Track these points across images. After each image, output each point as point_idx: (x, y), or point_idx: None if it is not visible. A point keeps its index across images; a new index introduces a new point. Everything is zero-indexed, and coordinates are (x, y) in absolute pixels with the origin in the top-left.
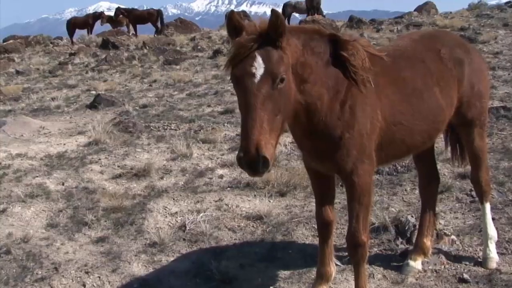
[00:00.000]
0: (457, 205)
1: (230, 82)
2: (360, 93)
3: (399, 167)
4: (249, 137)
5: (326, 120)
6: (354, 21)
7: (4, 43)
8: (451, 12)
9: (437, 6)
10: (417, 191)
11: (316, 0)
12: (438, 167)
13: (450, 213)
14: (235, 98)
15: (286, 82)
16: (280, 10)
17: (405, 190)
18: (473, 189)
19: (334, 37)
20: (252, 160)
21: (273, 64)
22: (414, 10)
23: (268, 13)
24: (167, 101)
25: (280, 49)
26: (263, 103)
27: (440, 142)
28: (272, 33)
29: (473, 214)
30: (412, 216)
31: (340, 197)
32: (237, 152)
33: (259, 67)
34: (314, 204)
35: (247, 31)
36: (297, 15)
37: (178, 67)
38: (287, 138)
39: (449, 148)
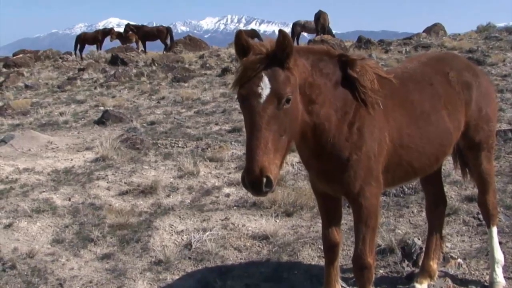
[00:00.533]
0: (464, 228)
1: (237, 101)
2: (368, 115)
3: (406, 189)
4: (253, 158)
5: (334, 141)
6: (362, 42)
7: (14, 57)
8: (459, 34)
9: (445, 27)
10: (423, 213)
11: (323, 20)
12: (445, 189)
13: (457, 236)
14: (243, 116)
15: (292, 103)
16: (289, 29)
17: (412, 212)
18: (480, 212)
19: (343, 57)
20: (255, 180)
21: (279, 85)
22: (423, 32)
23: (277, 32)
24: (175, 118)
25: (287, 69)
26: (268, 123)
27: (447, 164)
28: (279, 53)
29: (480, 238)
30: (419, 239)
31: (347, 218)
32: (242, 172)
33: (265, 87)
34: (321, 225)
35: (255, 51)
36: (306, 34)
37: (186, 84)
38: (294, 158)
39: (458, 169)
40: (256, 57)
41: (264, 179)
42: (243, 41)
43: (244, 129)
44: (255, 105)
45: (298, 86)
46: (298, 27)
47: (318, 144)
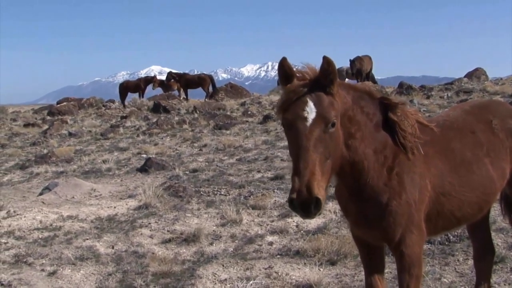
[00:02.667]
0: (511, 276)
1: (282, 128)
2: (408, 161)
3: (451, 237)
4: (302, 178)
5: (372, 184)
6: (404, 88)
7: (58, 105)
8: (501, 78)
9: (487, 72)
10: (470, 262)
11: (360, 65)
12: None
13: (505, 285)
14: (285, 164)
15: (336, 127)
16: None
17: (458, 260)
18: None
19: (385, 100)
20: (305, 201)
21: (324, 108)
22: (464, 76)
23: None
24: (217, 166)
25: (331, 95)
26: (315, 146)
27: (492, 211)
28: (322, 79)
29: None
30: None
31: (392, 267)
32: (288, 194)
33: (311, 111)
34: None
35: (298, 77)
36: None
37: (228, 132)
38: (337, 206)
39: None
40: (300, 83)
41: (314, 200)
42: (287, 67)
43: (287, 177)
44: (302, 129)
45: (340, 115)
46: (344, 73)
47: (356, 184)
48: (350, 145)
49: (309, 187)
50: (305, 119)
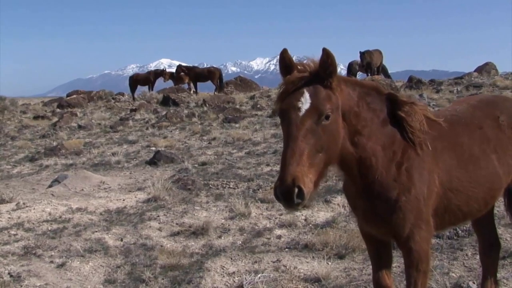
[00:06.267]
0: None
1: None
2: (417, 156)
3: (460, 231)
4: (286, 167)
5: (381, 180)
6: (413, 82)
7: (68, 98)
8: (511, 73)
9: (497, 66)
10: (478, 256)
11: (370, 58)
12: (500, 231)
13: None
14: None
15: (331, 121)
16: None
17: (466, 255)
18: None
19: (392, 97)
20: (287, 190)
21: (319, 100)
22: (474, 71)
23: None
24: (226, 159)
25: (329, 88)
26: (305, 136)
27: (501, 206)
28: (321, 72)
29: None
30: (474, 282)
31: (399, 261)
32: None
33: (305, 102)
34: None
35: (299, 70)
36: (359, 73)
37: (237, 125)
38: (345, 200)
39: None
40: (298, 74)
41: (296, 189)
42: (287, 59)
43: None
44: (294, 118)
45: (342, 112)
46: (355, 66)
47: (365, 181)
48: (357, 142)
49: (293, 176)
50: (299, 109)
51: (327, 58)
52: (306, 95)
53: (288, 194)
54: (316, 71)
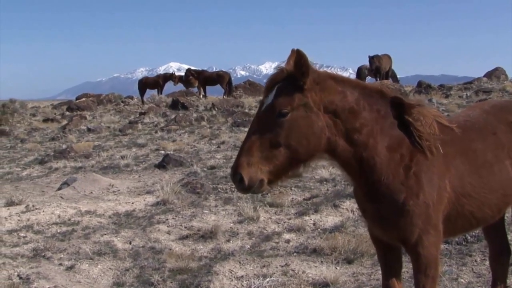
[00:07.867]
0: None
1: None
2: (426, 160)
3: (469, 237)
4: (237, 156)
5: (388, 182)
6: (422, 87)
7: (77, 101)
8: None
9: (507, 72)
10: (487, 262)
11: (379, 63)
12: (510, 238)
13: None
14: None
15: (293, 118)
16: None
17: (475, 260)
18: None
19: (397, 100)
20: (231, 176)
21: (279, 98)
22: (484, 76)
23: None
24: None
25: (299, 87)
26: (261, 130)
27: (510, 211)
28: (296, 71)
29: None
30: None
31: (409, 266)
32: None
33: (269, 99)
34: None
35: (278, 68)
36: (368, 77)
37: (246, 129)
38: (354, 204)
39: None
40: (278, 73)
41: (238, 177)
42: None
43: (304, 175)
44: (257, 112)
45: (331, 110)
46: (365, 70)
47: (370, 181)
48: (356, 139)
49: (237, 164)
50: (262, 105)
51: (300, 59)
52: (273, 92)
53: (232, 179)
54: (291, 71)
